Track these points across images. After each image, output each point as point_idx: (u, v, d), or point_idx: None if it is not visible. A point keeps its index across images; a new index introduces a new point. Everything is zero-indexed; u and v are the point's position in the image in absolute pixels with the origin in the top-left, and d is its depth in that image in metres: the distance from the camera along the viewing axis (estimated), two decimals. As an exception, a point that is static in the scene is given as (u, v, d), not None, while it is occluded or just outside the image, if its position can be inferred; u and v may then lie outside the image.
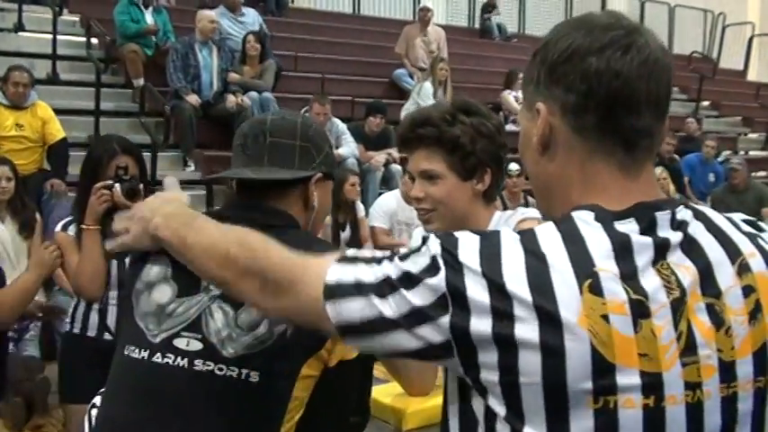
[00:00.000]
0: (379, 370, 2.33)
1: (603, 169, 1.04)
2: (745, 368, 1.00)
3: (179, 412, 1.51)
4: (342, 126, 7.46)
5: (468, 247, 0.98)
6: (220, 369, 1.50)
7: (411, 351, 1.00)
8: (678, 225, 1.02)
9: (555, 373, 0.93)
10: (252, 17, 8.88)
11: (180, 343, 1.54)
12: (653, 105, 1.03)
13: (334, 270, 1.04)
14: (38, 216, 5.04)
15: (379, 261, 1.04)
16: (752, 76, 15.58)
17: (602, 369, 0.93)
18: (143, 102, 7.65)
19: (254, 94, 7.71)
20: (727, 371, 0.99)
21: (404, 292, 0.98)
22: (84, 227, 2.90)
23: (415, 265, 0.99)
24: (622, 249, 0.97)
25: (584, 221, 1.00)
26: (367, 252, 1.07)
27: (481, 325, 0.94)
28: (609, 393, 0.94)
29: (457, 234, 1.01)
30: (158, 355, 1.54)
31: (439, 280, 0.97)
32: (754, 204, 8.19)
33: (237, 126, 1.90)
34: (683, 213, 1.04)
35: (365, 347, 1.06)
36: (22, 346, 4.54)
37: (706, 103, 13.30)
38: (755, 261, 1.04)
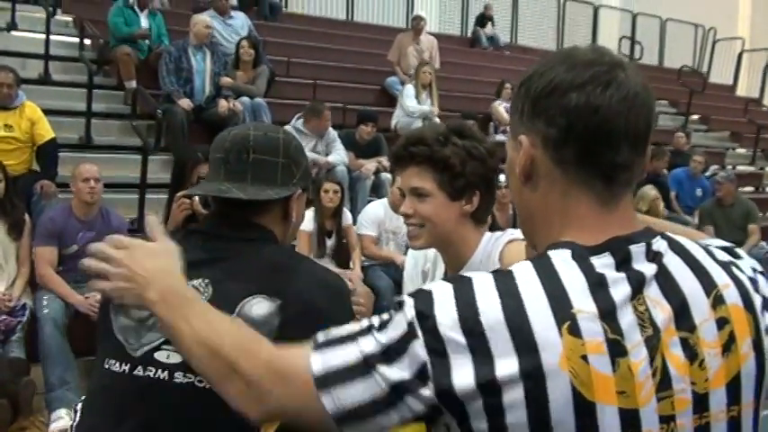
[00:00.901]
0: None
1: (583, 201, 1.06)
2: (718, 399, 1.02)
3: (161, 424, 1.53)
4: (333, 133, 7.47)
5: (444, 303, 0.99)
6: (200, 381, 1.51)
7: (405, 420, 1.00)
8: (653, 257, 1.04)
9: (539, 416, 0.94)
10: (241, 20, 8.90)
11: (160, 356, 1.56)
12: (632, 140, 1.04)
13: (316, 359, 1.03)
14: (27, 217, 5.04)
15: (354, 337, 1.03)
16: (741, 91, 15.71)
17: (583, 408, 0.95)
18: (135, 104, 7.61)
19: (245, 99, 7.72)
20: (700, 402, 1.01)
21: (384, 368, 0.99)
22: None
23: (393, 335, 1.00)
24: (598, 287, 0.99)
25: (562, 259, 1.02)
26: (338, 330, 1.06)
27: (465, 380, 0.95)
28: None
29: (430, 287, 1.02)
30: (139, 368, 1.56)
31: (417, 348, 0.98)
32: (741, 219, 8.23)
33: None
34: (659, 244, 1.06)
35: (362, 430, 1.04)
36: (8, 348, 4.53)
37: (695, 117, 13.38)
38: (729, 292, 1.06)
